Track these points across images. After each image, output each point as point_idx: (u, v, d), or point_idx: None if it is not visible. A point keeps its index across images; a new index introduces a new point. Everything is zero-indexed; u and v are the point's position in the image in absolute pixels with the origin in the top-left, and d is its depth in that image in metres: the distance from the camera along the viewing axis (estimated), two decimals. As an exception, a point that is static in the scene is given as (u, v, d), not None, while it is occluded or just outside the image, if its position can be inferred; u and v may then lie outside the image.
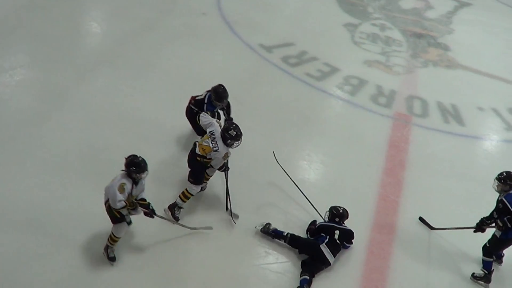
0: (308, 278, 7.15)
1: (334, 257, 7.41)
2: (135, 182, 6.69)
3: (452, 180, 9.55)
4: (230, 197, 7.90)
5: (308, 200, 8.20)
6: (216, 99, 8.39)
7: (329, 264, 7.36)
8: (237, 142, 7.40)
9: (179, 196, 7.68)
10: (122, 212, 6.69)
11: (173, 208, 7.68)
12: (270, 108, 10.37)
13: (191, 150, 7.61)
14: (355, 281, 7.45)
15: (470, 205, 8.99)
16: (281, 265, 7.44)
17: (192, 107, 8.58)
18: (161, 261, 7.12)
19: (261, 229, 7.70)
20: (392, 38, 14.22)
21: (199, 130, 8.38)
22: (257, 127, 9.62)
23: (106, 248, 6.98)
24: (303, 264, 7.38)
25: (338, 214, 7.73)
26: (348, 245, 7.72)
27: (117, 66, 10.66)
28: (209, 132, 7.46)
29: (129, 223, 6.92)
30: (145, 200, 6.86)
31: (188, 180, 7.66)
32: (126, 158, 6.62)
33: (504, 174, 7.46)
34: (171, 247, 7.33)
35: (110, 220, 6.79)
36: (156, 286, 6.86)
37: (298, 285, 7.10)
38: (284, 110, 10.38)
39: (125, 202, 6.55)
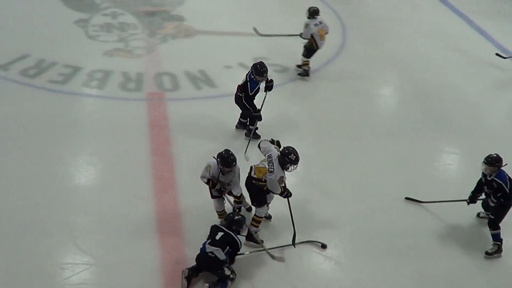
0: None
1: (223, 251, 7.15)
2: (221, 171, 7.63)
3: (218, 141, 9.83)
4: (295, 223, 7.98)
5: None
6: (257, 74, 9.52)
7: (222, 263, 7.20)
8: (294, 166, 7.65)
9: (251, 224, 7.96)
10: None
11: (252, 237, 7.86)
12: (21, 127, 9.87)
13: (248, 174, 7.89)
14: (155, 266, 7.52)
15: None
16: (78, 275, 7.22)
17: (239, 94, 9.74)
18: None
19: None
20: (126, 23, 14.09)
21: (247, 112, 9.86)
22: (16, 150, 9.31)
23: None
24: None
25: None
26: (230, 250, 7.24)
27: None
28: (268, 155, 7.76)
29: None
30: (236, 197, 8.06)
31: (252, 204, 8.07)
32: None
33: (491, 157, 7.93)
34: None
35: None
36: None
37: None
38: (37, 124, 9.95)
39: (208, 180, 7.75)
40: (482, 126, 11.38)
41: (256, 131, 10.05)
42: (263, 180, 7.65)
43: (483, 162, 7.99)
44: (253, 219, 8.00)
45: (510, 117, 12.04)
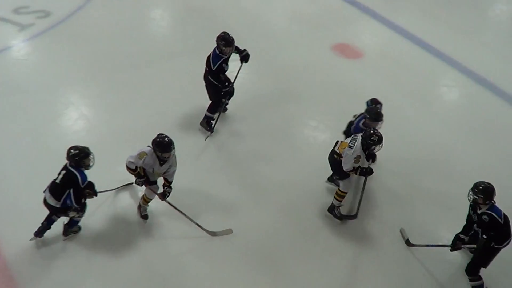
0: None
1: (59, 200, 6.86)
2: (160, 160, 7.02)
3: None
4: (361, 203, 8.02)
5: None
6: (226, 45, 8.52)
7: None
8: (379, 145, 7.49)
9: (334, 197, 7.95)
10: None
11: (333, 210, 7.99)
12: None
13: (333, 148, 7.87)
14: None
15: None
16: None
17: (206, 68, 8.80)
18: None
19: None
20: None
21: (214, 90, 8.91)
22: None
23: (139, 207, 7.67)
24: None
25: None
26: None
27: None
28: (355, 133, 7.76)
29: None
30: (169, 183, 7.35)
31: (335, 177, 8.21)
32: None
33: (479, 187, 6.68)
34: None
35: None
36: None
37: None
38: None
39: (135, 168, 7.07)
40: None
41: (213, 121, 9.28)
42: (342, 155, 7.62)
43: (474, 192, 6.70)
44: (336, 193, 7.96)
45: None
